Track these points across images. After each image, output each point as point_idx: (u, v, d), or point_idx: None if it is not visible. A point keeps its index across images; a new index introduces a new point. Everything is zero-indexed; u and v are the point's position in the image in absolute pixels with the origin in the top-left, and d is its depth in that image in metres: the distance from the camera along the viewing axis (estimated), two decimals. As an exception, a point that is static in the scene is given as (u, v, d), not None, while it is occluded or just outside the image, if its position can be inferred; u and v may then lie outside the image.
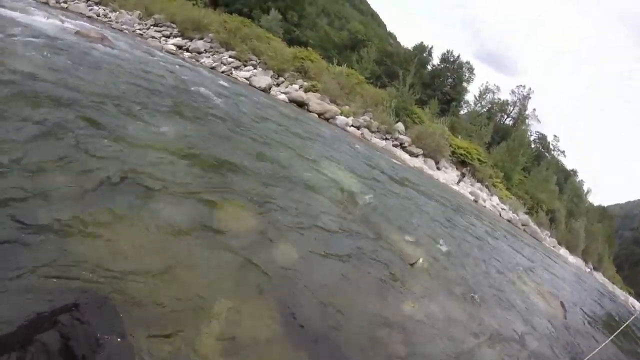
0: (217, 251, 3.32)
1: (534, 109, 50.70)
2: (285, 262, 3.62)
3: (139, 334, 2.25)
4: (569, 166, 52.05)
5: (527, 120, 47.24)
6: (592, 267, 33.76)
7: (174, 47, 24.07)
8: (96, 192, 3.35)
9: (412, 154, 22.42)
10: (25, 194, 2.95)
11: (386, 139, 22.62)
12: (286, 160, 7.06)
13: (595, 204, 56.64)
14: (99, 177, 3.57)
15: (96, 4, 30.37)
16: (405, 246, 5.79)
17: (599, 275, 31.71)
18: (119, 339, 2.14)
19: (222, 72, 22.71)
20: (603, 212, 58.16)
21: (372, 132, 22.26)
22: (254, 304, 2.92)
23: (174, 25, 27.35)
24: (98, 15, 27.77)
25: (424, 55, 42.15)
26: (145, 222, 3.25)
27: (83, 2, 30.14)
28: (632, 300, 32.45)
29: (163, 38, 26.16)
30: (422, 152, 22.91)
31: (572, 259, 27.01)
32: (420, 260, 4.96)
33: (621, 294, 29.97)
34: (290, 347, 2.69)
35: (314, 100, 21.65)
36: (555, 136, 66.03)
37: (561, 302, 7.81)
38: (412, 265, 4.92)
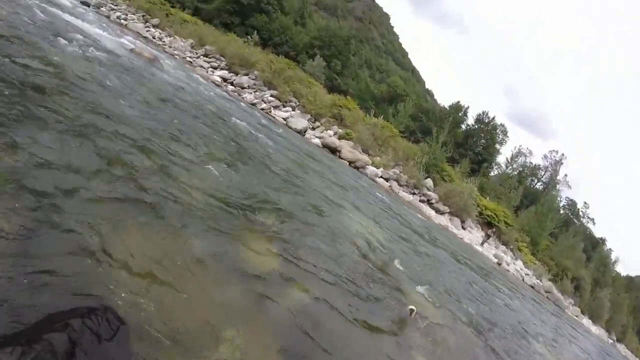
0: (235, 284, 3.45)
1: (566, 175, 50.00)
2: (299, 303, 3.71)
3: (145, 351, 2.34)
4: (597, 234, 50.56)
5: (557, 186, 46.67)
6: (615, 338, 32.39)
7: (219, 79, 25.26)
8: (126, 210, 3.54)
9: (438, 211, 22.52)
10: (57, 198, 3.17)
11: (414, 193, 22.86)
12: (315, 205, 7.31)
13: (623, 273, 54.45)
14: (132, 196, 3.79)
15: (154, 26, 32.48)
16: (423, 303, 5.86)
17: (622, 347, 30.33)
18: (124, 353, 2.19)
19: (262, 109, 23.64)
20: (630, 283, 55.81)
21: (401, 185, 22.57)
22: (263, 339, 3.00)
23: (223, 58, 28.78)
24: (154, 38, 29.64)
25: (459, 114, 42.80)
26: (172, 246, 3.44)
27: (141, 22, 32.35)
28: None
29: (210, 69, 27.54)
30: (448, 210, 22.98)
31: (594, 329, 26.10)
32: (413, 311, 4.97)
33: None
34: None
35: (347, 148, 22.25)
36: (585, 203, 64.48)
37: None
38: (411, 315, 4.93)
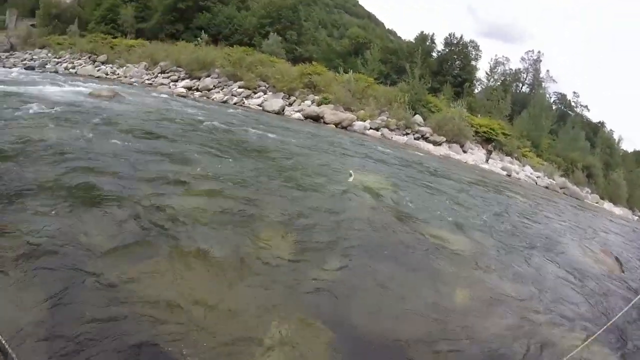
0: (258, 279, 3.36)
1: (548, 71, 49.56)
2: (327, 278, 3.64)
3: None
4: (595, 119, 50.44)
5: (543, 84, 46.34)
6: (639, 214, 32.69)
7: (183, 90, 24.89)
8: (125, 237, 3.57)
9: (435, 143, 22.44)
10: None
11: (407, 134, 22.75)
12: (313, 177, 7.20)
13: (629, 149, 54.60)
14: (131, 226, 3.79)
15: (103, 63, 31.89)
16: (446, 234, 5.75)
17: (648, 221, 30.60)
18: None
19: (234, 103, 23.40)
20: (639, 157, 56.11)
21: (392, 130, 22.43)
22: (306, 326, 2.91)
23: (180, 69, 28.33)
24: (107, 74, 29.24)
25: (427, 44, 41.87)
26: (186, 256, 3.43)
27: (90, 64, 31.75)
28: None
29: (172, 83, 27.12)
30: (444, 139, 22.89)
31: (617, 210, 26.16)
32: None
33: None
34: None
35: (329, 112, 22.05)
36: (574, 92, 64.35)
37: (615, 257, 7.42)
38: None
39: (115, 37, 36.77)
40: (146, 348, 2.31)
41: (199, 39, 30.90)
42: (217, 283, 3.18)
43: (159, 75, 28.72)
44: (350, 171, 4.76)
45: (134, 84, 26.16)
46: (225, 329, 2.65)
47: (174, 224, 3.94)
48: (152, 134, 8.00)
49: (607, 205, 26.54)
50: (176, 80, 27.53)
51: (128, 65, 30.50)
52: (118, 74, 29.41)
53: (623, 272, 6.84)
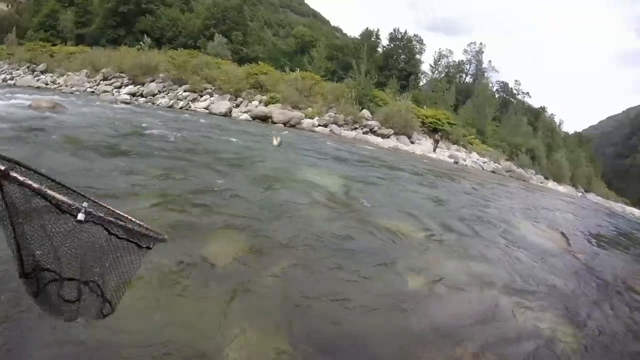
0: (213, 287, 3.25)
1: (490, 61, 51.76)
2: (280, 279, 3.58)
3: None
4: (536, 105, 53.02)
5: (485, 74, 48.33)
6: (583, 190, 34.59)
7: (127, 96, 24.04)
8: None
9: (384, 136, 22.89)
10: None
11: (355, 128, 23.08)
12: (262, 179, 7.11)
13: (571, 132, 57.94)
14: None
15: (42, 72, 30.32)
16: (398, 223, 5.83)
17: (591, 196, 32.36)
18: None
19: (180, 108, 22.88)
20: (580, 138, 59.48)
21: (340, 125, 22.69)
22: (262, 330, 2.86)
23: (123, 75, 27.37)
24: (47, 84, 27.73)
25: (373, 39, 42.87)
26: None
27: (29, 74, 30.09)
28: (629, 209, 33.35)
29: (115, 90, 26.15)
30: (392, 131, 23.39)
31: (562, 188, 27.61)
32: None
33: (618, 207, 30.51)
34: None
35: (277, 111, 22.00)
36: (516, 81, 67.44)
37: (562, 232, 7.83)
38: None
39: (54, 45, 35.00)
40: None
41: (141, 43, 30.03)
42: (167, 293, 3.06)
43: (102, 82, 27.55)
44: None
45: (76, 92, 24.99)
46: (180, 340, 2.57)
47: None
48: (91, 146, 7.56)
49: (551, 184, 27.99)
50: (119, 87, 26.55)
51: (69, 73, 29.07)
52: (58, 83, 27.96)
53: (569, 245, 7.23)
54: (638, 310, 4.70)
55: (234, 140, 11.78)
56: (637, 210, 39.34)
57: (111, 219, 1.11)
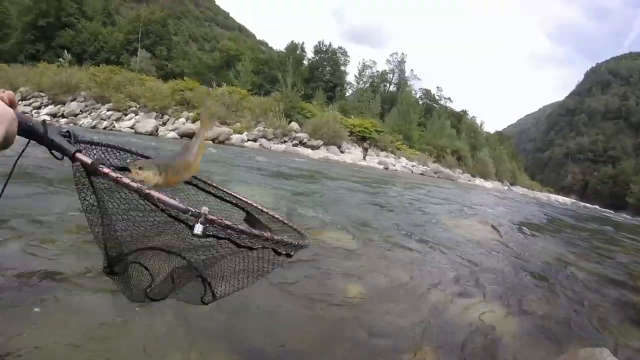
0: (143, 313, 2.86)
1: (412, 70, 54.91)
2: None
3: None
4: (458, 108, 56.36)
5: (408, 82, 50.98)
6: (509, 184, 37.32)
7: (48, 117, 22.73)
8: None
9: (313, 147, 23.47)
10: None
11: (285, 141, 23.47)
12: (189, 199, 6.86)
13: (492, 131, 62.24)
14: None
15: None
16: (330, 234, 5.75)
17: (517, 189, 34.98)
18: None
19: (104, 128, 22.04)
20: (501, 136, 64.10)
21: (270, 139, 22.98)
22: (202, 353, 2.72)
23: (42, 94, 25.88)
24: None
25: (298, 52, 43.88)
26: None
27: None
28: (553, 197, 36.41)
29: (34, 111, 24.66)
30: (322, 142, 24.03)
31: (488, 184, 29.65)
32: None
33: (543, 196, 33.19)
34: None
35: (205, 128, 21.79)
36: (438, 87, 71.44)
37: (492, 225, 8.10)
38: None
39: (-33, 63, 32.25)
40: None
41: (61, 59, 28.57)
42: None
43: (20, 103, 25.74)
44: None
45: None
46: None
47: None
48: None
49: (478, 181, 30.03)
50: (39, 107, 25.06)
51: (-18, 94, 26.90)
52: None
53: (501, 236, 7.41)
54: (569, 292, 4.86)
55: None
56: (561, 197, 43.08)
57: (243, 228, 0.82)
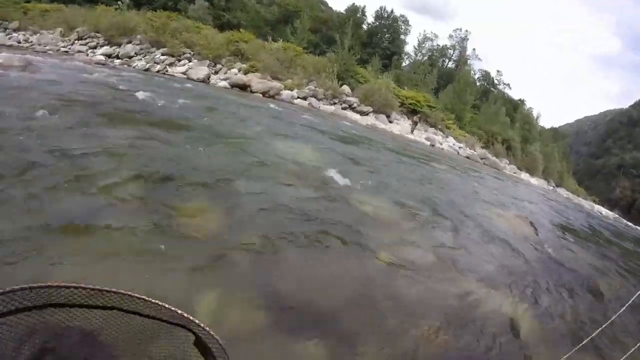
0: (186, 255, 3.21)
1: (474, 49, 52.02)
2: (252, 250, 3.56)
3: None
4: (515, 97, 53.69)
5: (468, 61, 48.59)
6: (554, 184, 35.42)
7: (103, 57, 23.12)
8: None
9: (362, 113, 22.83)
10: None
11: (334, 103, 22.91)
12: (239, 150, 6.90)
13: (547, 127, 59.09)
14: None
15: (15, 30, 28.79)
16: (370, 201, 5.79)
17: (562, 191, 33.24)
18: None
19: (157, 71, 22.20)
20: (555, 133, 60.74)
21: (319, 99, 22.47)
22: (235, 299, 2.87)
23: (99, 35, 26.27)
24: (19, 42, 26.32)
25: (358, 15, 42.30)
26: (112, 238, 3.19)
27: (1, 32, 28.56)
28: (597, 207, 34.39)
29: (90, 50, 25.14)
30: (371, 109, 23.34)
31: (534, 180, 28.24)
32: None
33: (586, 204, 31.49)
34: (280, 330, 2.72)
35: (256, 81, 21.56)
36: (498, 71, 68.13)
37: (530, 222, 7.94)
38: None
39: (28, 1, 33.25)
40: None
41: (120, 2, 28.79)
42: (142, 263, 3.01)
43: (76, 42, 26.37)
44: None
45: (49, 52, 23.86)
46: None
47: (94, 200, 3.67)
48: (67, 106, 7.11)
49: (524, 175, 28.56)
50: (95, 47, 25.46)
51: (42, 32, 27.75)
52: (31, 41, 26.62)
53: (537, 234, 7.40)
54: (595, 302, 4.89)
55: (218, 107, 11.51)
56: (604, 209, 40.71)
57: None
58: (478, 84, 45.66)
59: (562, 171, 43.91)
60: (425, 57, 45.50)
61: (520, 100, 51.85)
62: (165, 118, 8.46)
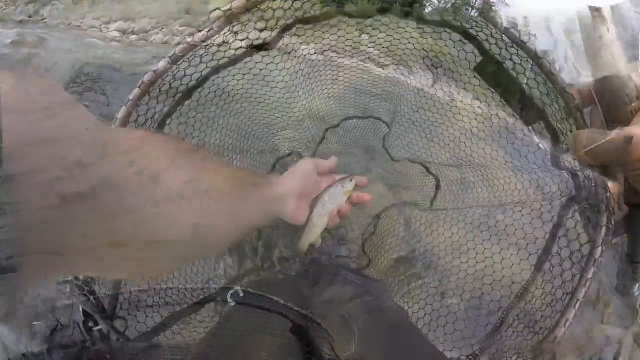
0: None
1: (501, -6, 50.19)
2: None
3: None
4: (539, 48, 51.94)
5: (493, 8, 46.81)
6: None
7: (117, 33, 22.93)
8: None
9: (382, 65, 22.49)
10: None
11: (353, 54, 22.64)
12: None
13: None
14: None
15: (26, 4, 28.95)
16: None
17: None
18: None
19: (177, 44, 22.14)
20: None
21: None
22: None
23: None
24: (30, 17, 26.45)
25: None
26: None
27: (11, 5, 28.65)
28: None
29: (103, 25, 24.98)
30: (391, 61, 22.96)
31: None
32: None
33: None
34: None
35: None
36: (525, 17, 65.63)
37: None
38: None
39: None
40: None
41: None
42: None
43: (87, 15, 26.44)
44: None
45: (60, 26, 23.90)
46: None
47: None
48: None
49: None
50: (108, 23, 25.41)
51: (54, 2, 27.85)
52: (42, 15, 26.77)
53: None
54: None
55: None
56: None
57: None
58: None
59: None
60: (449, 4, 44.23)
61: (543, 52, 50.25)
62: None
